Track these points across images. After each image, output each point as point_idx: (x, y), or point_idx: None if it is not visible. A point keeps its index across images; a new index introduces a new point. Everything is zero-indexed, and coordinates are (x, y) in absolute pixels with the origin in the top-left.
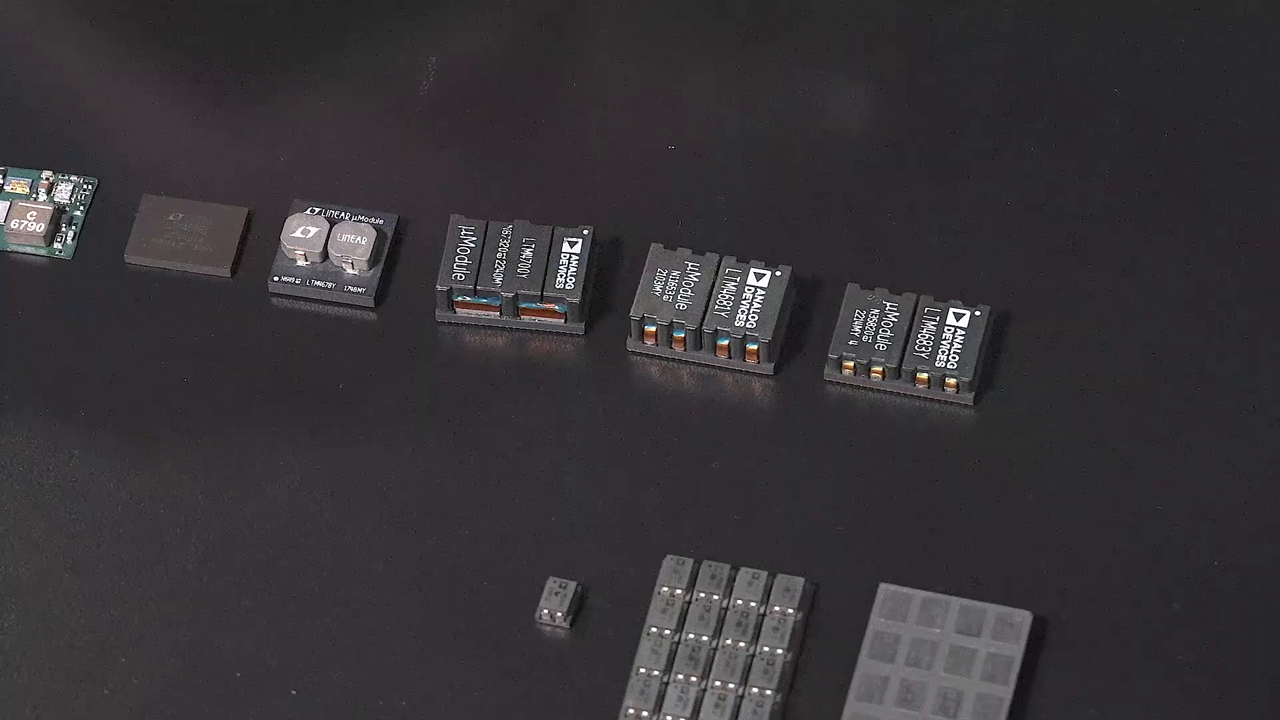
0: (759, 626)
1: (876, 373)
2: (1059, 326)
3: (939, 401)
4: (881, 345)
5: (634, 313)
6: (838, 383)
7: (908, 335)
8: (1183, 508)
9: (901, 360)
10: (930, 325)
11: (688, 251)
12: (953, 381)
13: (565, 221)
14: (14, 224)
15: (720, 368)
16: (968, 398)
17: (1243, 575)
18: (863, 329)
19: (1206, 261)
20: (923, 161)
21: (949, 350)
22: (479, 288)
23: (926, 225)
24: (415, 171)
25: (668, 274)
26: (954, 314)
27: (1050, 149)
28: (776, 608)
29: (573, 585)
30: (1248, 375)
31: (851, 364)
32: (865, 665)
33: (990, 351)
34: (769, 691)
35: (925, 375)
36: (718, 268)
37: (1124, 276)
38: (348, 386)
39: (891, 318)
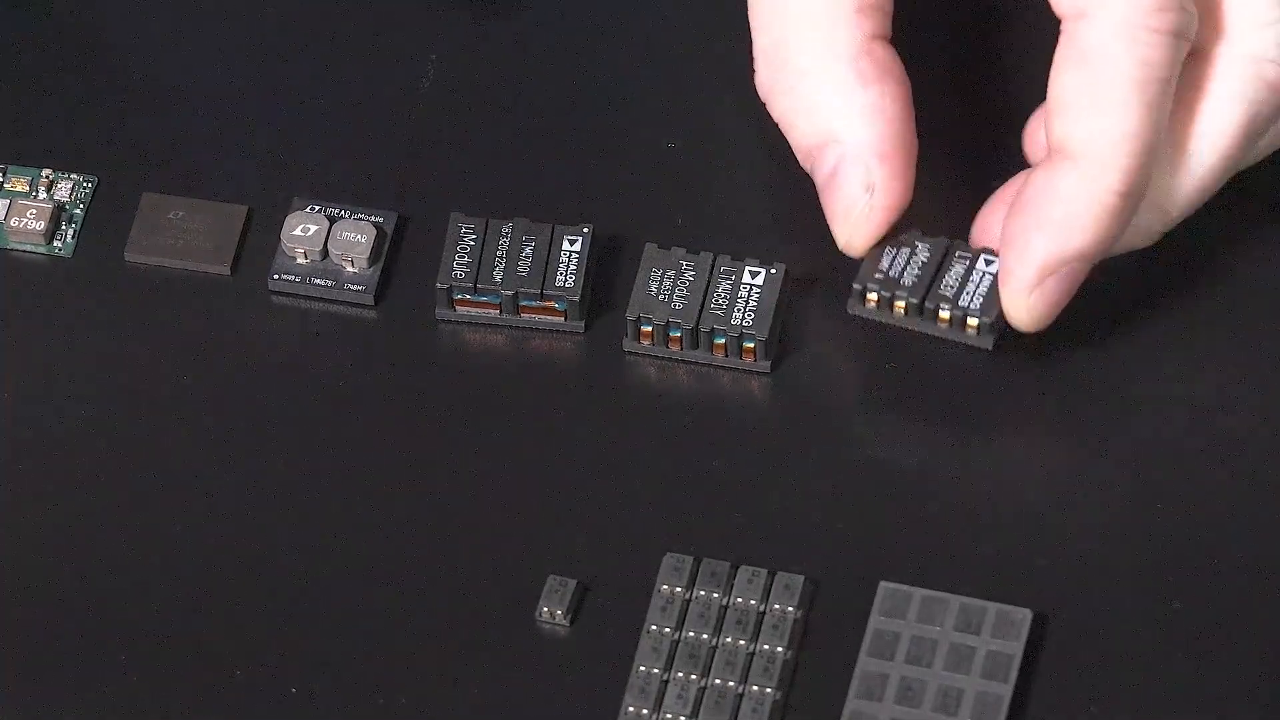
0: (759, 624)
1: (900, 308)
2: (1056, 322)
3: (938, 400)
4: (908, 281)
5: (630, 313)
6: (861, 317)
7: (935, 273)
8: (1183, 507)
9: (925, 296)
10: (958, 269)
11: (682, 251)
12: (974, 323)
13: (565, 219)
14: (14, 222)
15: (717, 366)
16: (988, 341)
17: (1243, 575)
18: (890, 264)
19: (1208, 257)
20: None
21: (974, 292)
22: (479, 285)
23: (923, 223)
24: (415, 170)
25: (663, 273)
26: (984, 260)
27: None
28: (776, 606)
29: (572, 583)
30: (1249, 374)
31: (875, 297)
32: (865, 663)
33: (991, 351)
34: (769, 689)
35: (947, 315)
36: (712, 266)
37: (1122, 275)
38: (347, 384)
39: (921, 257)
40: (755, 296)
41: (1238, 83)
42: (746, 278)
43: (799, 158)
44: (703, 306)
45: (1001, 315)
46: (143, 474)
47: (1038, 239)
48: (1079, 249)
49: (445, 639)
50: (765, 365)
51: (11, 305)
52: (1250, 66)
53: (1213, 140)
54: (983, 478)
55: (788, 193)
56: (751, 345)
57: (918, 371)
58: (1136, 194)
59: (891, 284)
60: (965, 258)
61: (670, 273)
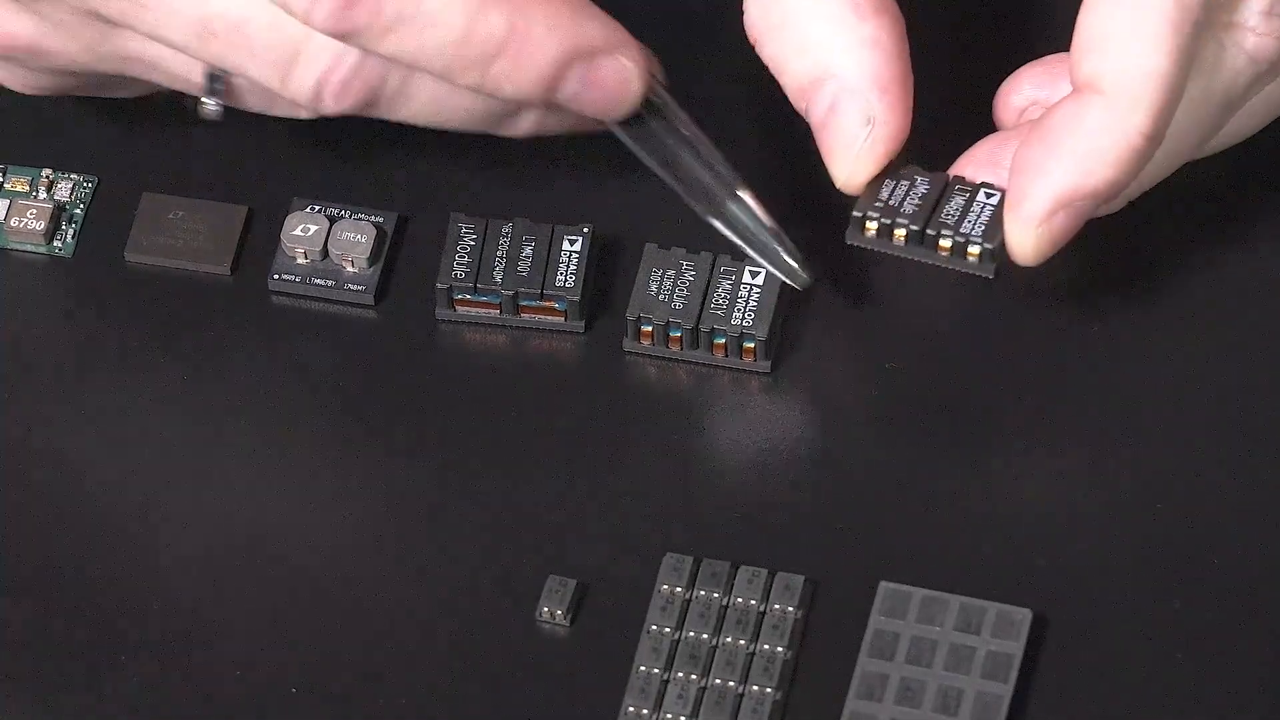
0: (759, 624)
1: (899, 235)
2: (1056, 322)
3: (939, 399)
4: (909, 209)
5: (630, 313)
6: (862, 247)
7: (936, 203)
8: (1183, 507)
9: (926, 224)
10: (959, 200)
11: (682, 250)
12: (975, 250)
13: (565, 220)
14: (14, 222)
15: (717, 366)
16: (989, 269)
17: (1243, 575)
18: (890, 194)
19: (1209, 257)
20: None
21: (976, 220)
22: (479, 285)
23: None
24: (415, 170)
25: (663, 273)
26: (985, 193)
27: None
28: (776, 606)
29: (573, 583)
30: (1249, 374)
31: (875, 225)
32: (865, 663)
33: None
34: (769, 690)
35: (948, 242)
36: (712, 266)
37: (1122, 273)
38: (347, 384)
39: (921, 189)
40: (755, 296)
41: (1216, 49)
42: (746, 278)
43: (791, 98)
44: (703, 306)
45: (1003, 244)
46: (143, 474)
47: (1057, 170)
48: (1095, 185)
49: (445, 639)
50: (765, 365)
51: (11, 305)
52: (1228, 34)
53: (1187, 108)
54: (982, 478)
55: (787, 192)
56: (751, 345)
57: (917, 371)
58: (1158, 139)
59: (892, 212)
60: (965, 190)
61: (670, 273)
